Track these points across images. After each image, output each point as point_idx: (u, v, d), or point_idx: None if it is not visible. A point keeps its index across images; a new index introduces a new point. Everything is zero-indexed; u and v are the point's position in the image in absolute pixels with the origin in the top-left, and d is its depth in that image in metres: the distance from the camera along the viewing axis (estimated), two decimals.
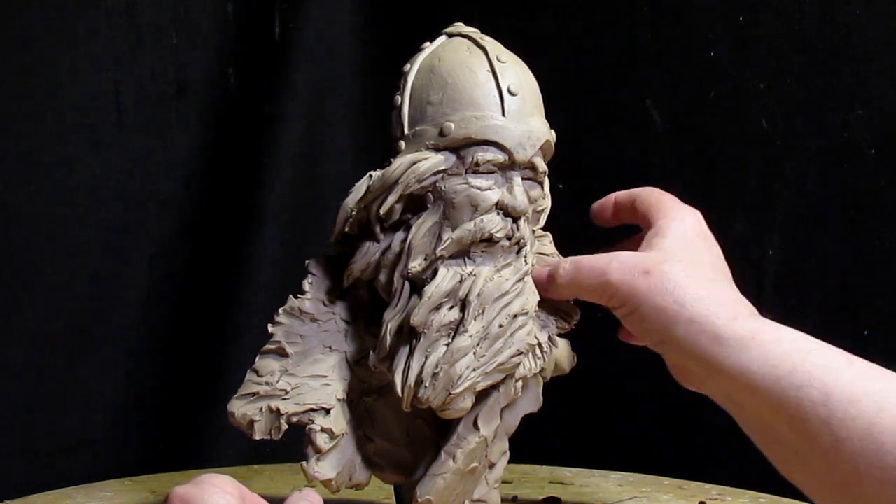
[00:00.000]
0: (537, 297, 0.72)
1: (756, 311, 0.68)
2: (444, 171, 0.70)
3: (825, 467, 0.62)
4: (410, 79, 0.72)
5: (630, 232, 0.77)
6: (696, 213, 0.73)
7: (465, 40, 0.73)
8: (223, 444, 1.23)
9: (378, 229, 0.72)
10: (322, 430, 0.72)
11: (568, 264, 0.72)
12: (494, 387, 0.71)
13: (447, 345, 0.68)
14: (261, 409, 0.72)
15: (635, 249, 0.72)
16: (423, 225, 0.70)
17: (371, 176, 0.72)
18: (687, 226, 0.71)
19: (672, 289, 0.67)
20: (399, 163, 0.70)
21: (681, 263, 0.68)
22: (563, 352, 0.80)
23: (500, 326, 0.69)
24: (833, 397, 0.61)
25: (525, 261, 0.71)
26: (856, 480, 0.60)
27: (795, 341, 0.65)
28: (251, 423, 0.72)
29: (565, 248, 0.77)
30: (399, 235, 0.71)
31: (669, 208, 0.73)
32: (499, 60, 0.71)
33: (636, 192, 0.76)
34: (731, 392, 0.66)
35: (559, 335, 0.77)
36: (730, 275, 0.71)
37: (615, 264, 0.69)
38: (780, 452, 0.65)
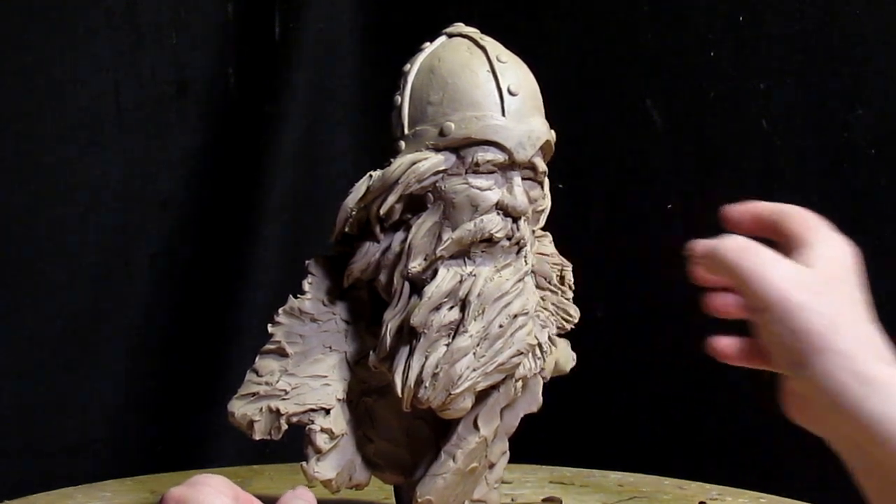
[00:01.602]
0: (537, 297, 0.72)
1: None
2: (444, 171, 0.70)
3: None
4: (410, 79, 0.72)
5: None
6: (853, 248, 0.67)
7: (466, 40, 0.73)
8: (223, 444, 1.23)
9: (378, 229, 0.72)
10: (322, 430, 0.72)
11: (742, 241, 0.64)
12: (494, 387, 0.71)
13: (447, 345, 0.68)
14: (261, 409, 0.72)
15: None
16: (423, 225, 0.70)
17: (371, 176, 0.72)
18: (846, 258, 0.66)
19: (829, 312, 0.62)
20: (399, 163, 0.70)
21: (841, 293, 0.63)
22: (563, 352, 0.80)
23: (501, 326, 0.69)
24: None
25: (525, 261, 0.71)
26: None
27: None
28: (251, 423, 0.72)
29: (566, 247, 0.77)
30: (399, 235, 0.71)
31: (829, 235, 0.67)
32: (499, 60, 0.71)
33: (784, 211, 0.70)
34: (858, 437, 0.60)
35: (559, 335, 0.77)
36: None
37: (782, 265, 0.63)
38: None
